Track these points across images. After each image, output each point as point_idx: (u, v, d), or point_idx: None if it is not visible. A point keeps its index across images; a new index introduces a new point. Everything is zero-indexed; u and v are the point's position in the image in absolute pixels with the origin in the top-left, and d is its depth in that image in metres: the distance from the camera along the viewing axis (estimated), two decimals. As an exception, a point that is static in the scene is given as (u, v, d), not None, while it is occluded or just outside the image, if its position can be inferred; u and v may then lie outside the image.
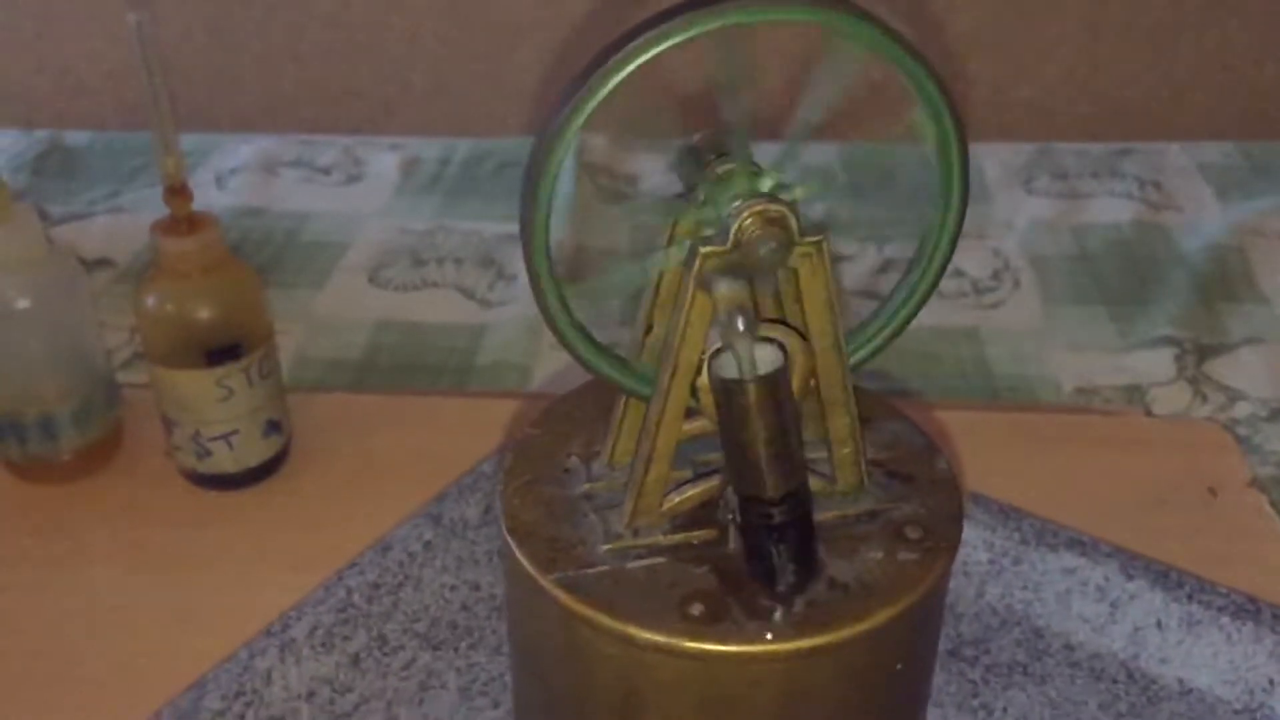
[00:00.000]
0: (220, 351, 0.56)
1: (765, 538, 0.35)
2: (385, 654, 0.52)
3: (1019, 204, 0.92)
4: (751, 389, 0.33)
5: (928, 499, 0.38)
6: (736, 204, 0.33)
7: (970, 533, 0.53)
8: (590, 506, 0.38)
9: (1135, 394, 0.70)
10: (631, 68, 0.31)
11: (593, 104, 0.32)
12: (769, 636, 0.34)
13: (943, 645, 0.51)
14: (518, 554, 0.36)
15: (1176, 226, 0.88)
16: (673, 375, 0.35)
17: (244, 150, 1.01)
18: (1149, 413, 0.68)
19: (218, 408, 0.57)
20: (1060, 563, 0.52)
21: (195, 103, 1.07)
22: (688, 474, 0.38)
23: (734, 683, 0.34)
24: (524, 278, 0.82)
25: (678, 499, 0.37)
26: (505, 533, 0.37)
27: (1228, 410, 0.68)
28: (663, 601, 0.35)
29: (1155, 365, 0.72)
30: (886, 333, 0.39)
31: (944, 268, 0.37)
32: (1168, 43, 1.03)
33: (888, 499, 0.38)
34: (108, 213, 0.91)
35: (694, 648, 0.34)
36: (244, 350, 0.57)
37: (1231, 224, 0.87)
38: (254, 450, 0.59)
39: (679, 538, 0.37)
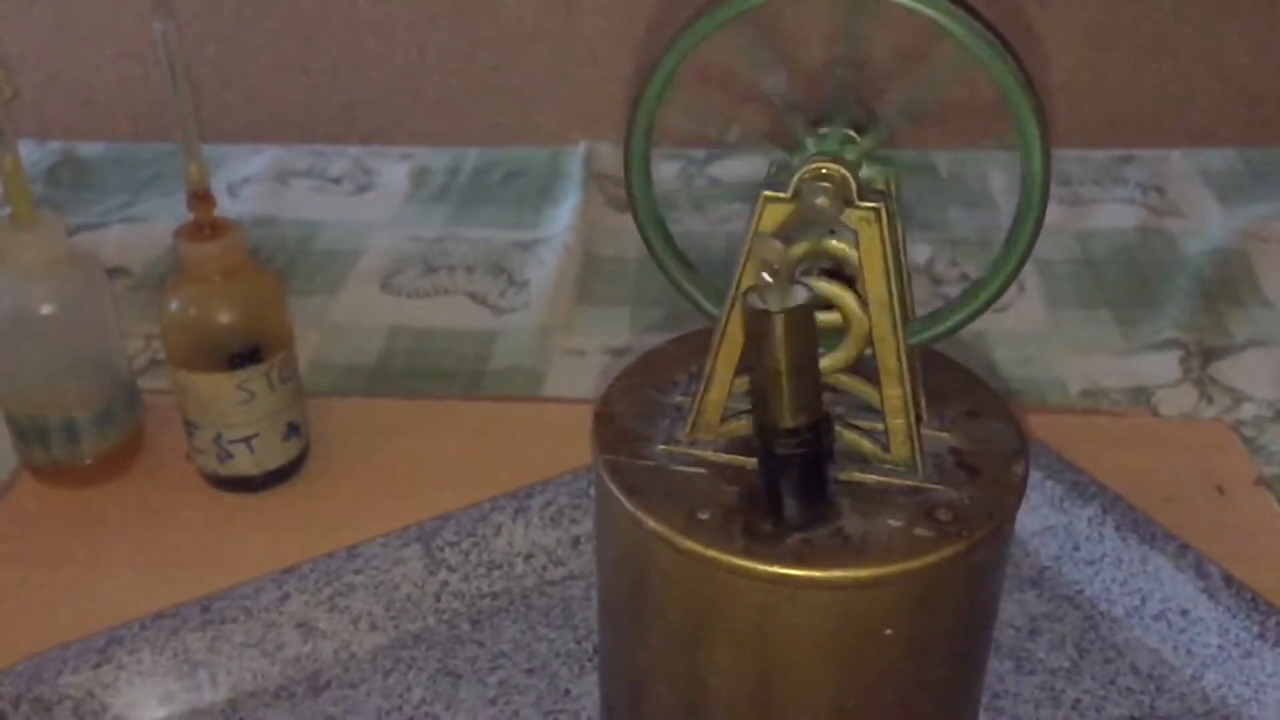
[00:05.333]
0: (241, 355, 0.57)
1: (770, 464, 0.37)
2: None
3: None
4: (772, 320, 0.35)
5: (980, 494, 0.38)
6: (803, 159, 0.37)
7: (1209, 614, 0.51)
8: (673, 414, 0.41)
9: (1141, 396, 0.71)
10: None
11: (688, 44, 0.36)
12: (745, 552, 0.36)
13: (1132, 711, 0.50)
14: (592, 433, 0.40)
15: (1179, 231, 0.89)
16: (732, 306, 0.38)
17: (256, 160, 1.02)
18: (1155, 414, 0.69)
19: (239, 410, 0.58)
20: None
21: (207, 113, 1.08)
22: None
23: (715, 589, 0.37)
24: (535, 284, 0.83)
25: (735, 424, 0.40)
26: (592, 413, 0.41)
27: (1233, 412, 0.69)
28: (681, 502, 0.37)
29: (1161, 368, 0.73)
30: (973, 307, 0.40)
31: (1030, 249, 0.38)
32: (1168, 50, 1.04)
33: (940, 482, 0.38)
34: (122, 222, 0.92)
35: (682, 543, 0.36)
36: (264, 354, 0.58)
37: (1234, 229, 0.88)
38: (274, 453, 0.60)
39: (725, 457, 0.39)
